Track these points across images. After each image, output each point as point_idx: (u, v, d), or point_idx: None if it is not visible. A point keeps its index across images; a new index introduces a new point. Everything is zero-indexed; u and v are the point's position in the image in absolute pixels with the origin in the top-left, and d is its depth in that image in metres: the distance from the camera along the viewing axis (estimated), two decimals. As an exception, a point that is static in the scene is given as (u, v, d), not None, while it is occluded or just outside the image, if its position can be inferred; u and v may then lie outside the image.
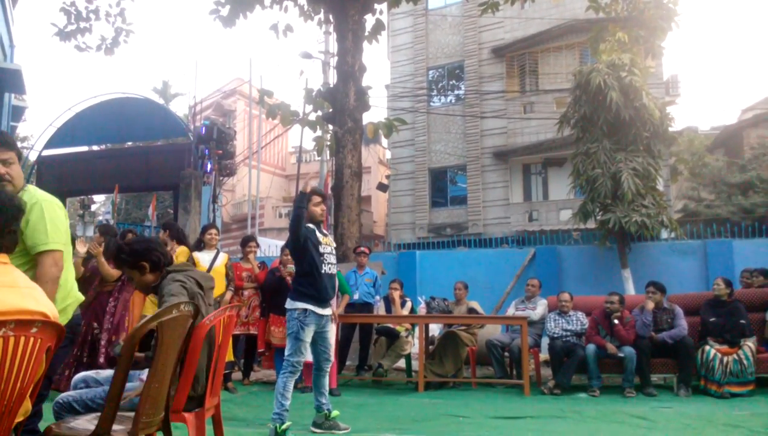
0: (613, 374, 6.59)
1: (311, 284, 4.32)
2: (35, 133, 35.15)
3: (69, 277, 2.85)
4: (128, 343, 2.31)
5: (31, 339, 1.85)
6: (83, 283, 6.03)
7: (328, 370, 4.61)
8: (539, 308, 7.22)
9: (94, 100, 12.81)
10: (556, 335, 6.68)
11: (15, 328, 1.80)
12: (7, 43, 14.50)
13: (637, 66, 10.40)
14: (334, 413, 4.52)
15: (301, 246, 4.38)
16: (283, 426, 4.08)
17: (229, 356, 6.37)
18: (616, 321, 6.41)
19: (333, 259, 4.57)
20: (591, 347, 6.36)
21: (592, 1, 11.00)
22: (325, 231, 4.66)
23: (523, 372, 6.41)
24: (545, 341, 7.06)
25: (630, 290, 9.60)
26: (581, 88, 10.46)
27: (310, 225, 4.50)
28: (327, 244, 4.54)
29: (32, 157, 14.20)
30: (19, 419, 1.94)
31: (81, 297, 2.95)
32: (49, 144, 13.20)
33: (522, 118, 17.88)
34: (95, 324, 5.86)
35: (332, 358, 6.22)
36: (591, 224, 10.91)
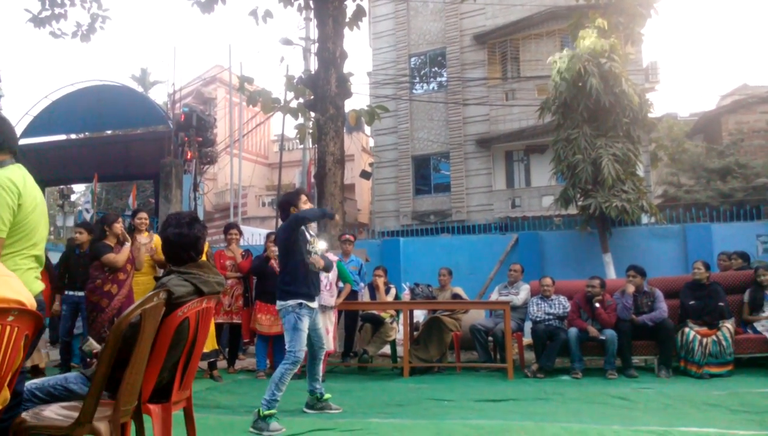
0: (595, 356, 6.67)
1: (299, 282, 4.46)
2: (11, 122, 34.35)
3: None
4: (115, 331, 2.28)
5: (8, 327, 1.82)
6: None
7: (322, 358, 4.91)
8: (522, 292, 7.28)
9: (72, 88, 12.62)
10: (538, 319, 6.74)
11: (-9, 316, 1.77)
12: (-21, 29, 14.15)
13: (616, 52, 10.44)
14: (327, 396, 4.76)
15: (291, 244, 4.55)
16: (267, 412, 4.09)
17: (214, 345, 6.35)
18: (597, 304, 6.48)
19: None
20: (573, 331, 6.44)
21: (573, -13, 11.02)
22: (312, 233, 4.83)
23: (507, 356, 6.46)
24: (528, 325, 7.12)
25: (611, 274, 9.72)
26: (561, 74, 10.49)
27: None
28: (314, 244, 4.71)
29: (8, 146, 13.92)
30: (-3, 407, 1.91)
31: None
32: (26, 133, 12.98)
33: (504, 105, 17.91)
34: None
35: (329, 346, 6.31)
36: (572, 210, 11.01)
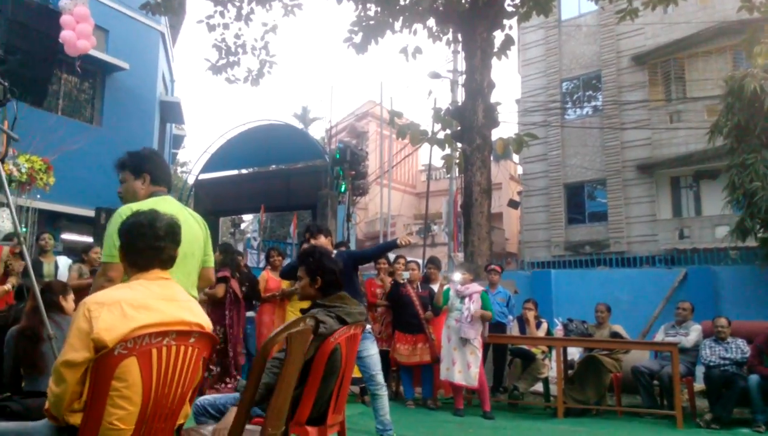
0: (782, 409, 5.84)
1: None
2: (192, 159, 38.77)
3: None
4: (261, 353, 2.42)
5: (190, 348, 2.02)
6: None
7: (381, 392, 4.32)
8: (692, 333, 6.61)
9: (242, 128, 13.90)
10: (712, 364, 6.07)
11: (176, 338, 1.98)
12: (168, 78, 16.21)
13: (799, 69, 9.28)
14: None
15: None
16: None
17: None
18: (785, 350, 5.70)
19: None
20: (754, 378, 5.70)
21: (745, 1, 10.02)
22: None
23: (675, 402, 5.88)
24: (700, 370, 6.45)
25: (801, 315, 8.50)
26: (734, 94, 9.53)
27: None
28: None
29: (190, 180, 15.67)
30: (180, 421, 2.11)
31: None
32: (205, 169, 14.52)
33: (668, 129, 16.66)
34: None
35: (471, 382, 6.09)
36: (751, 242, 9.85)
